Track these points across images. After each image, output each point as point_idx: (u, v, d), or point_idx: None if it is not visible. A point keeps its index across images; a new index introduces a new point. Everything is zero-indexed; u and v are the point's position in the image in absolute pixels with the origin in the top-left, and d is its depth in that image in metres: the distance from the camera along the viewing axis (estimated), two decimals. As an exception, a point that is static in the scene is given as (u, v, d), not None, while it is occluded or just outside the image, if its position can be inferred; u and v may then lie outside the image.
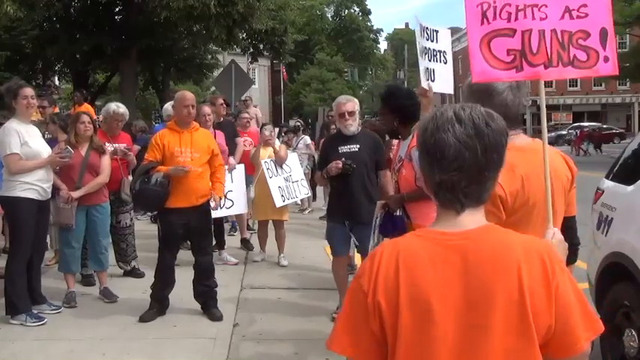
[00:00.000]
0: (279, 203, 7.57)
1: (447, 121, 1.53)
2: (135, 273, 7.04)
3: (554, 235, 2.15)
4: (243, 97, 14.89)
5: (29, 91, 5.59)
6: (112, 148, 6.62)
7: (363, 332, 1.54)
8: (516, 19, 2.39)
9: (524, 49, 2.38)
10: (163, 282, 5.74)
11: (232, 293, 6.29)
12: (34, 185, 5.43)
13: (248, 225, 8.83)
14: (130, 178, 6.55)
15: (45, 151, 5.61)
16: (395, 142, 4.94)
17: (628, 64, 29.92)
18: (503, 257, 1.51)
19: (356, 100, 5.78)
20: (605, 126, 46.58)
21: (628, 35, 33.65)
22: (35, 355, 4.77)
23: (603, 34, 2.44)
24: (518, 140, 2.44)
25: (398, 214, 4.44)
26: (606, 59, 2.43)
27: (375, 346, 1.55)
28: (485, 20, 2.39)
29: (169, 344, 5.01)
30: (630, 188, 4.17)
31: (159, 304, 5.74)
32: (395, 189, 4.62)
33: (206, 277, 5.83)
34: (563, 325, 1.49)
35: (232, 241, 8.52)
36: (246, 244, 8.45)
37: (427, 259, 1.51)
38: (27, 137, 5.45)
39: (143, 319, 5.59)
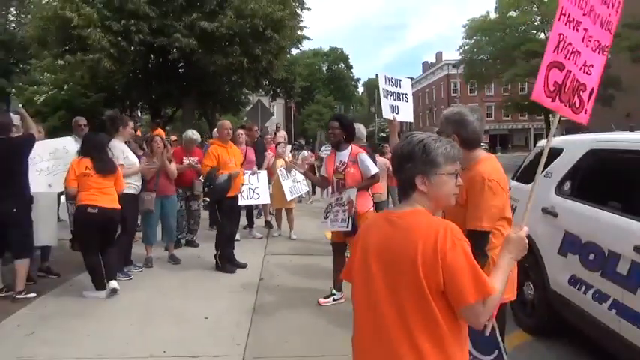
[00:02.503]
0: (288, 197, 7.62)
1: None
2: (193, 244, 6.96)
3: (518, 231, 1.76)
4: (267, 125, 14.92)
5: (132, 123, 5.91)
6: (187, 162, 6.68)
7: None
8: (568, 59, 2.17)
9: (563, 86, 2.17)
10: (230, 244, 5.93)
11: (258, 258, 6.27)
12: (132, 184, 5.44)
13: (270, 211, 8.82)
14: (200, 180, 6.51)
15: (137, 162, 5.62)
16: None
17: (526, 102, 29.98)
18: (411, 231, 1.53)
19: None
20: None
21: (527, 83, 33.68)
22: (122, 300, 4.75)
23: (591, 92, 2.27)
24: (482, 153, 2.52)
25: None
26: (585, 111, 2.26)
27: None
28: (556, 50, 2.15)
29: (215, 292, 5.00)
30: (527, 186, 4.20)
31: (228, 260, 5.80)
32: (338, 185, 4.55)
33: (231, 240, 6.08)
34: (451, 283, 1.45)
35: (258, 222, 8.50)
36: (268, 224, 8.43)
37: (374, 229, 1.62)
38: (127, 152, 5.49)
39: (227, 270, 5.63)
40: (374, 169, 4.52)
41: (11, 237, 4.64)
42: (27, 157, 4.77)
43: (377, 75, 6.27)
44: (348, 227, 4.27)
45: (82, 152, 4.93)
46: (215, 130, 8.39)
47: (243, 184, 6.37)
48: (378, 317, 1.55)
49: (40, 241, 5.10)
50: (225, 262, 5.76)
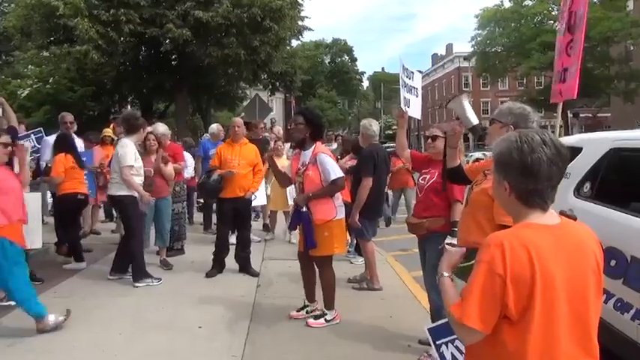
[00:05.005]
0: (290, 201, 7.55)
1: (538, 145, 1.51)
2: (180, 251, 6.79)
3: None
4: (266, 121, 14.92)
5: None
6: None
7: (492, 310, 1.46)
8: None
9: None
10: (220, 248, 5.89)
11: (256, 263, 6.24)
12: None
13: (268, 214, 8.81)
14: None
15: (142, 164, 5.57)
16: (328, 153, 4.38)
17: (543, 98, 29.93)
18: (585, 241, 1.56)
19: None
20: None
21: (543, 77, 33.58)
22: (110, 308, 4.75)
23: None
24: None
25: (304, 210, 4.16)
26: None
27: (494, 320, 1.47)
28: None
29: (209, 299, 4.99)
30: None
31: (219, 265, 5.85)
32: (299, 189, 4.33)
33: (245, 246, 6.02)
34: None
35: (256, 225, 8.45)
36: (266, 227, 8.41)
37: (549, 248, 1.47)
38: (137, 154, 5.46)
39: (208, 275, 5.75)
40: (335, 174, 4.17)
41: None
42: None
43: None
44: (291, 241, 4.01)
45: (62, 149, 5.97)
46: (212, 125, 8.57)
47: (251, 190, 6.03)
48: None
49: (25, 245, 5.08)
50: (215, 266, 5.81)
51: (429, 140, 3.97)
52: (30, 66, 21.20)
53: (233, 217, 5.97)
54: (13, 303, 4.65)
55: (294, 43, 25.15)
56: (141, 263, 5.47)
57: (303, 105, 58.04)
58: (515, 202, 1.58)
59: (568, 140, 4.20)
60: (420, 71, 4.69)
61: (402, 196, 9.30)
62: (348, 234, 7.10)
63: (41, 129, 7.33)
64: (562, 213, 1.65)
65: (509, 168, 1.56)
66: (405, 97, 4.16)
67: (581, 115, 36.40)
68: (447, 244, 3.37)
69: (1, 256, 3.86)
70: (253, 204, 7.65)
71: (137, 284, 5.35)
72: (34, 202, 5.23)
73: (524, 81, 40.58)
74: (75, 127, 7.00)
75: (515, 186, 1.56)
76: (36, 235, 5.32)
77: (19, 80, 20.55)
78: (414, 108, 4.30)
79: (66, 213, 6.14)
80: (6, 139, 4.08)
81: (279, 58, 19.14)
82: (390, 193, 9.35)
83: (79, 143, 7.05)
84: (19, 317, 4.40)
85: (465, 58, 44.92)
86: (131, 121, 5.64)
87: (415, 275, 5.64)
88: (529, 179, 1.52)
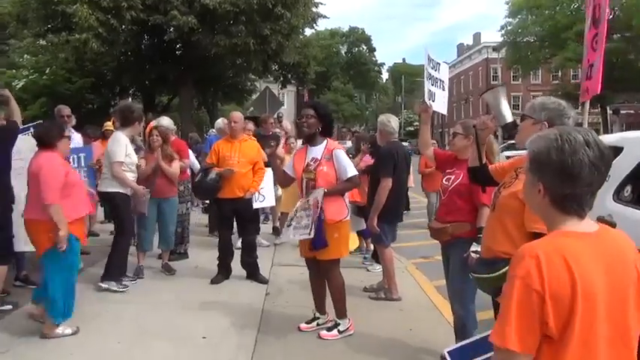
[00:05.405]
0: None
1: (580, 145, 1.47)
2: (184, 255, 6.84)
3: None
4: (275, 116, 14.96)
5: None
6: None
7: (532, 329, 1.41)
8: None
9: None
10: (224, 253, 5.92)
11: (265, 269, 6.25)
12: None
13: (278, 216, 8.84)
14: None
15: (135, 160, 5.65)
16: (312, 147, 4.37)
17: (579, 92, 29.54)
18: (624, 250, 1.54)
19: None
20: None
21: (580, 69, 33.19)
22: (109, 315, 4.80)
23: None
24: None
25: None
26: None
27: (537, 341, 1.43)
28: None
29: (215, 308, 5.02)
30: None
31: (224, 270, 5.89)
32: (307, 186, 4.31)
33: (249, 251, 6.00)
34: None
35: (265, 228, 8.51)
36: (276, 231, 8.43)
37: (588, 259, 1.44)
38: (129, 149, 5.52)
39: (213, 281, 5.80)
40: (352, 171, 4.29)
41: None
42: (9, 150, 4.79)
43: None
44: (310, 235, 4.05)
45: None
46: (218, 120, 8.54)
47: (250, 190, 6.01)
48: None
49: (21, 246, 5.12)
50: (221, 272, 5.87)
51: (451, 137, 3.97)
52: (26, 55, 21.50)
53: (234, 220, 5.99)
54: (9, 307, 4.75)
55: (308, 31, 25.24)
56: (120, 264, 5.53)
57: (317, 99, 58.37)
58: (548, 207, 1.55)
59: (608, 139, 4.14)
60: (445, 62, 4.67)
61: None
62: (363, 239, 7.16)
63: (42, 122, 7.41)
64: (600, 219, 1.63)
65: (545, 168, 1.52)
66: (429, 90, 4.15)
67: (622, 111, 35.82)
68: (472, 251, 3.35)
69: (68, 250, 4.05)
70: (262, 205, 7.69)
71: (102, 284, 5.38)
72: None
73: (559, 74, 40.06)
74: (73, 121, 7.08)
75: (551, 189, 1.53)
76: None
77: (14, 71, 20.83)
78: (440, 102, 4.29)
79: None
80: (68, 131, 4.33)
81: (291, 47, 19.15)
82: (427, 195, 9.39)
83: (77, 138, 7.13)
84: (15, 323, 4.48)
85: (494, 49, 44.50)
86: (126, 113, 5.69)
87: (437, 285, 5.62)
88: (566, 183, 1.49)
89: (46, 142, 4.24)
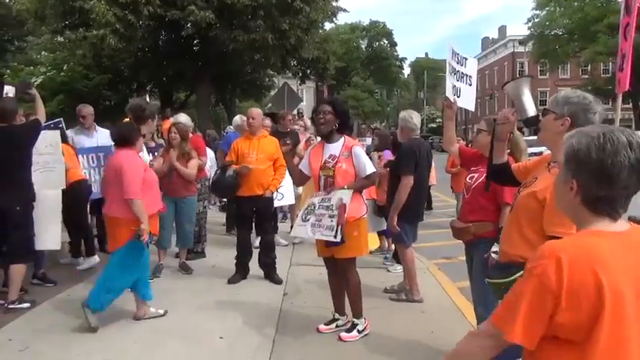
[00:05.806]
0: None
1: (623, 147, 1.43)
2: (200, 254, 6.90)
3: None
4: (294, 112, 14.99)
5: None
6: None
7: (537, 328, 1.43)
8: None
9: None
10: (242, 253, 5.95)
11: (282, 269, 6.27)
12: None
13: (297, 214, 8.85)
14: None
15: (147, 158, 5.69)
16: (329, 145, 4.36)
17: (611, 87, 29.04)
18: None
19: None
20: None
21: (611, 63, 32.60)
22: (124, 315, 4.87)
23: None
24: None
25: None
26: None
27: (537, 339, 1.45)
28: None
29: (232, 308, 5.04)
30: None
31: (242, 270, 5.93)
32: (326, 183, 4.30)
33: (268, 251, 6.01)
34: None
35: (283, 227, 8.53)
36: (294, 229, 8.45)
37: (617, 259, 1.42)
38: (142, 148, 5.49)
39: (230, 281, 5.83)
40: (370, 168, 4.32)
41: (9, 238, 4.77)
42: (30, 148, 4.89)
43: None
44: (336, 238, 4.02)
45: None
46: (236, 117, 8.56)
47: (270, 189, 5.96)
48: None
49: (42, 245, 5.22)
50: (239, 271, 5.91)
51: (475, 134, 3.94)
52: (43, 52, 21.88)
53: (253, 219, 6.01)
54: (27, 305, 4.84)
55: (328, 26, 25.24)
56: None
57: (336, 95, 58.35)
58: (579, 206, 1.51)
59: None
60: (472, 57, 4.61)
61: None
62: (385, 239, 7.13)
63: (61, 120, 7.48)
64: (631, 219, 1.60)
65: (582, 167, 1.48)
66: (454, 86, 4.10)
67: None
68: (493, 252, 3.31)
69: (142, 246, 4.35)
70: (281, 204, 7.71)
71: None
72: (53, 200, 5.39)
73: (589, 68, 39.44)
74: (90, 120, 7.01)
75: (584, 188, 1.49)
76: (54, 234, 5.47)
77: (31, 67, 21.18)
78: (466, 98, 4.21)
79: (74, 203, 6.04)
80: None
81: (310, 42, 19.17)
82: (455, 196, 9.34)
83: (105, 135, 6.92)
84: (34, 320, 4.57)
85: (521, 42, 44.01)
86: (137, 111, 5.71)
87: (461, 286, 5.58)
88: (602, 185, 1.45)
89: (128, 140, 4.53)
